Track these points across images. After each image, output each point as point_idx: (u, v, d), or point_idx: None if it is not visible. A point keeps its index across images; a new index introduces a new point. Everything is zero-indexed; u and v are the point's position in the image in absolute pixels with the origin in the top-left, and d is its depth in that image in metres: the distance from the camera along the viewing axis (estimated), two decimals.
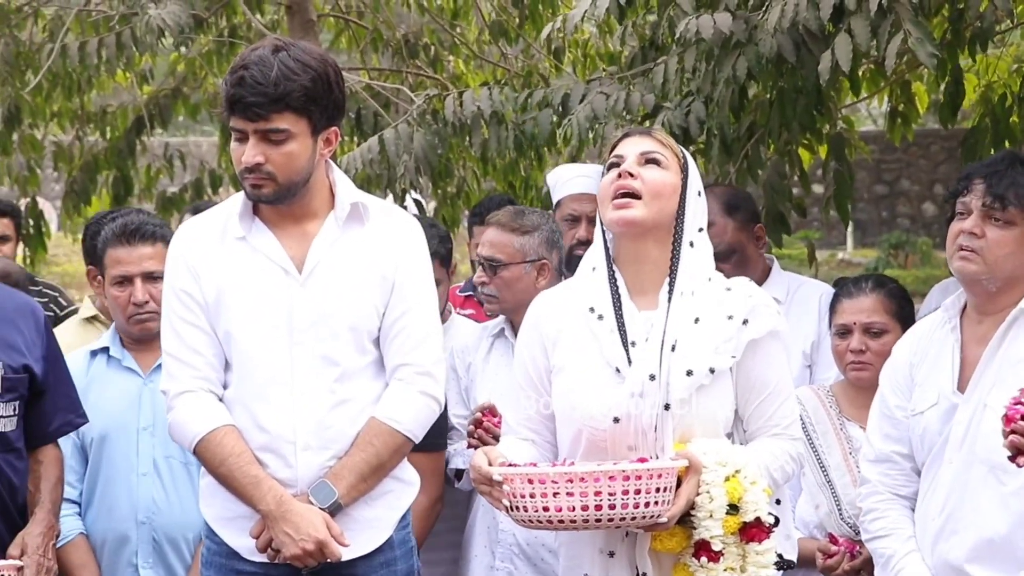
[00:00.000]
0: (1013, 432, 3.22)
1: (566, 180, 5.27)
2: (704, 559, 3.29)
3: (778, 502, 3.45)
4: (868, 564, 3.97)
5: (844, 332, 4.38)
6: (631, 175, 3.45)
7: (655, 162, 3.48)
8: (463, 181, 8.32)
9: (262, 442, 3.58)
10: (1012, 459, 3.25)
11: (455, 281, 5.61)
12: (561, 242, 4.70)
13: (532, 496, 3.20)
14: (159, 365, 4.05)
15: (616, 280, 3.47)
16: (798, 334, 4.72)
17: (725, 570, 3.30)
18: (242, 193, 3.64)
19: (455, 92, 6.17)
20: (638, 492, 3.18)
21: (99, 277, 4.38)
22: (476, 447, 4.14)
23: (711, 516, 3.28)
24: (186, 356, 3.62)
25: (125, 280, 4.27)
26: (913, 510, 3.73)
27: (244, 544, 3.60)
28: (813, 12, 4.53)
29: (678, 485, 3.27)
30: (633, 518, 3.21)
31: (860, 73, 5.99)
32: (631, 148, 3.50)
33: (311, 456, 3.57)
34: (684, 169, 3.51)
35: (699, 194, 3.51)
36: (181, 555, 4.17)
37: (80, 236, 5.28)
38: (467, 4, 8.93)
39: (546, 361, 3.52)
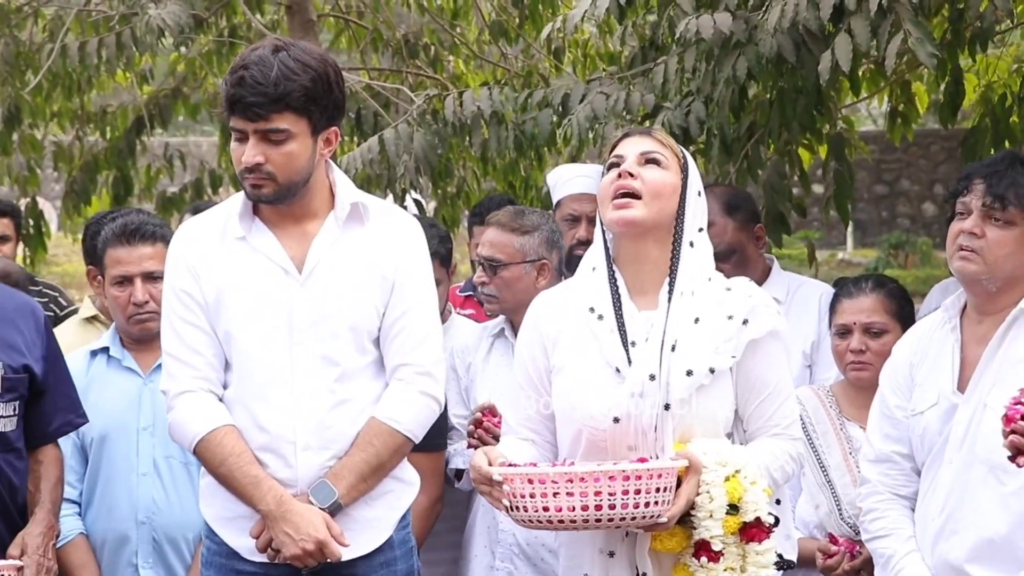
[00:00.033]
0: (1013, 432, 3.22)
1: (566, 180, 5.26)
2: (704, 559, 3.29)
3: (778, 502, 3.45)
4: (868, 564, 3.97)
5: (844, 332, 4.38)
6: (631, 175, 3.45)
7: (655, 162, 3.48)
8: (463, 181, 8.32)
9: (262, 442, 3.58)
10: (1012, 459, 3.25)
11: (455, 281, 5.61)
12: (561, 242, 4.70)
13: (532, 496, 3.20)
14: (159, 365, 4.05)
15: (616, 280, 3.47)
16: (798, 334, 4.72)
17: (725, 570, 3.30)
18: (242, 193, 3.64)
19: (455, 92, 6.17)
20: (638, 492, 3.18)
21: (99, 277, 4.38)
22: (476, 447, 4.14)
23: (711, 516, 3.28)
24: (186, 356, 3.62)
25: (125, 280, 4.27)
26: (913, 510, 3.72)
27: (244, 544, 3.60)
28: (813, 12, 4.53)
29: (678, 485, 3.27)
30: (633, 518, 3.21)
31: (860, 73, 5.99)
32: (631, 148, 3.50)
33: (311, 456, 3.57)
34: (684, 169, 3.51)
35: (699, 194, 3.51)
36: (181, 555, 4.17)
37: (80, 236, 5.28)
38: (467, 4, 8.93)
39: (546, 361, 3.52)
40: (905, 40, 4.39)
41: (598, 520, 3.20)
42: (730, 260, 4.79)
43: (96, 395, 4.21)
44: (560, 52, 8.32)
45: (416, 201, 6.58)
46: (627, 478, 3.17)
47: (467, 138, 6.15)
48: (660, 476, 3.21)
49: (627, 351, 3.40)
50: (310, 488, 3.55)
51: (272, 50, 3.51)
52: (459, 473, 4.59)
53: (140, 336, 4.28)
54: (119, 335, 4.34)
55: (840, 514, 4.22)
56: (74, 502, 4.22)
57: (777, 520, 3.36)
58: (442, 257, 4.84)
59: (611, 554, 3.39)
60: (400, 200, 6.07)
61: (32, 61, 8.27)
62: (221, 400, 3.62)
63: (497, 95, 5.90)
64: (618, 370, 3.39)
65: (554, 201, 5.31)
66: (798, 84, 5.08)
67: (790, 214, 5.73)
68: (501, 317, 4.68)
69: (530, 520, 3.24)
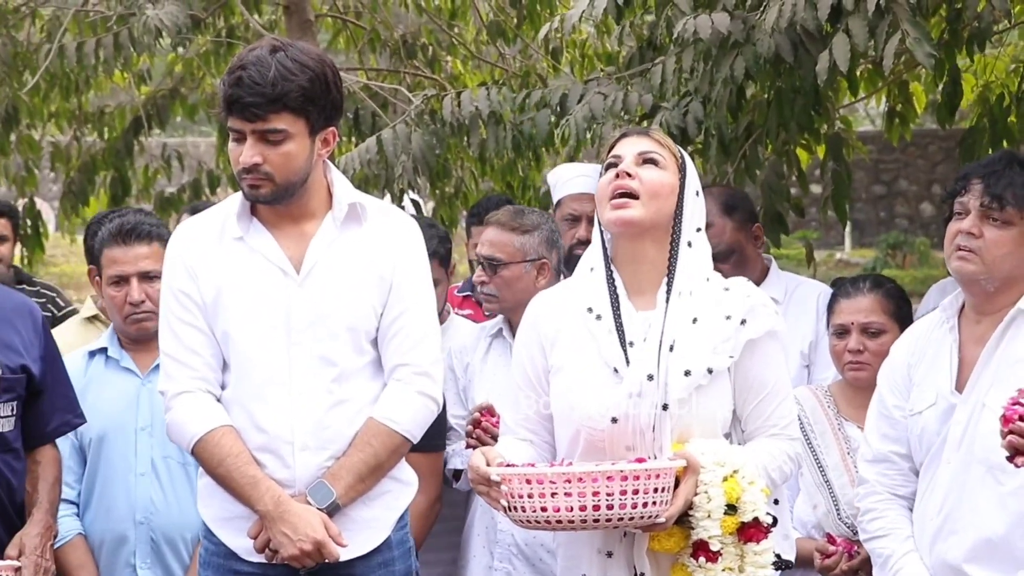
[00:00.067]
0: (1011, 432, 3.22)
1: (566, 180, 5.26)
2: (702, 559, 3.29)
3: (776, 502, 3.45)
4: (866, 564, 3.97)
5: (842, 332, 4.38)
6: (629, 175, 3.44)
7: (653, 162, 3.47)
8: (461, 181, 8.32)
9: (260, 442, 3.57)
10: (1010, 459, 3.25)
11: (453, 281, 5.61)
12: (560, 242, 4.70)
13: (530, 496, 3.20)
14: (157, 365, 4.04)
15: (614, 280, 3.47)
16: (796, 334, 4.72)
17: (723, 570, 3.30)
18: (240, 193, 3.64)
19: (453, 92, 6.17)
20: (636, 492, 3.18)
21: (98, 277, 4.38)
22: (474, 447, 4.13)
23: (709, 516, 3.28)
24: (184, 356, 3.62)
25: (121, 280, 4.27)
26: (911, 510, 3.72)
27: (242, 544, 3.60)
28: (811, 12, 4.53)
29: (676, 485, 3.27)
30: (631, 518, 3.21)
31: (858, 73, 6.00)
32: (629, 148, 3.50)
33: (309, 456, 3.57)
34: (682, 169, 3.50)
35: (697, 194, 3.51)
36: (179, 555, 4.17)
37: (78, 236, 5.28)
38: (465, 4, 8.92)
39: (544, 361, 3.52)
40: (903, 40, 4.39)
41: (596, 520, 3.19)
42: (728, 260, 4.79)
43: (94, 395, 4.21)
44: (558, 52, 8.32)
45: (414, 201, 6.57)
46: (625, 478, 3.17)
47: (465, 138, 6.15)
48: (658, 476, 3.21)
49: (625, 351, 3.40)
50: (308, 488, 3.55)
51: (270, 50, 3.51)
52: (457, 473, 4.59)
53: (137, 336, 4.28)
54: (117, 335, 4.34)
55: (838, 514, 4.22)
56: (72, 502, 4.21)
57: (775, 520, 3.36)
58: (441, 257, 4.84)
59: (609, 554, 3.39)
60: (398, 200, 6.06)
61: (30, 61, 8.26)
62: (219, 400, 3.62)
63: (495, 95, 5.90)
64: (616, 370, 3.39)
65: (554, 201, 5.31)
66: (796, 84, 5.08)
67: (788, 214, 5.73)
68: (499, 317, 4.68)
69: (528, 520, 3.24)
